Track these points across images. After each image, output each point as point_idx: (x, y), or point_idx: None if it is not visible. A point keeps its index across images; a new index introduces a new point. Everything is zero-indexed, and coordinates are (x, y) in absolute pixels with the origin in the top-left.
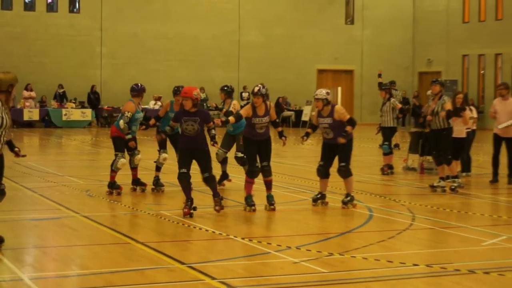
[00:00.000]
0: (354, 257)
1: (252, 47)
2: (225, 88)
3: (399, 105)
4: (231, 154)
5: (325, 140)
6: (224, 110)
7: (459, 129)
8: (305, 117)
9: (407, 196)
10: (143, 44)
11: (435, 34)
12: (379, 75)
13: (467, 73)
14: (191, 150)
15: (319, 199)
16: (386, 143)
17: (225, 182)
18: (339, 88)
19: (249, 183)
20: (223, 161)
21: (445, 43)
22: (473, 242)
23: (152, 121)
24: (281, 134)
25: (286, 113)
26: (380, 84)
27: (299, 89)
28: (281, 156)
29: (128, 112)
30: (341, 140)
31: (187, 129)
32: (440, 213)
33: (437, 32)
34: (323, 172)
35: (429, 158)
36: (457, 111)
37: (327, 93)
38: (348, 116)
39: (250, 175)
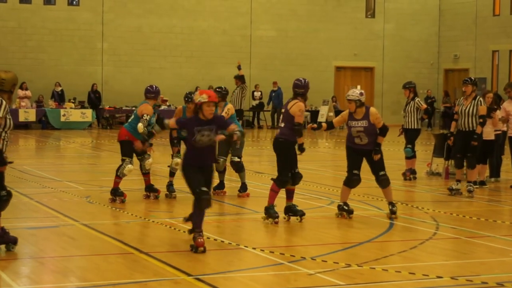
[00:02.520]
0: (374, 268)
1: (265, 43)
2: (218, 90)
3: (424, 106)
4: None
5: (354, 146)
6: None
7: (488, 131)
8: (321, 118)
9: (431, 203)
10: (147, 39)
11: (462, 28)
12: (239, 67)
13: (497, 70)
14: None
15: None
16: (409, 146)
17: (219, 192)
18: (358, 87)
19: (275, 193)
20: (223, 170)
21: (473, 37)
22: (501, 252)
23: (174, 133)
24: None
25: None
26: (240, 77)
27: (315, 88)
28: None
29: (147, 114)
30: (377, 157)
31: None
32: (466, 222)
33: (465, 26)
34: (358, 182)
35: None
36: (487, 112)
37: (361, 94)
38: (382, 123)
39: (282, 185)
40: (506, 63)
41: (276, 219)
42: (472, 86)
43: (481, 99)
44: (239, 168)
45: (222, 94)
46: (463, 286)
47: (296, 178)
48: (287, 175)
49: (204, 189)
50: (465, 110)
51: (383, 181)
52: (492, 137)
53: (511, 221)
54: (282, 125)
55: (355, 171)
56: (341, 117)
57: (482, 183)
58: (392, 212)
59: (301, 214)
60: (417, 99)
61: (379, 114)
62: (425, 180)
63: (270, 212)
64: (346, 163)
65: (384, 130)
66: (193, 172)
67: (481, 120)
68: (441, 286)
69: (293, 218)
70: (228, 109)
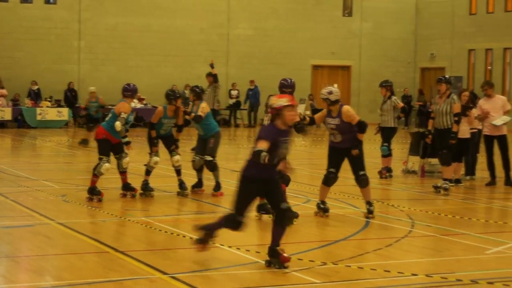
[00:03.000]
0: (349, 266)
1: (243, 41)
2: (194, 88)
3: (401, 104)
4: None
5: (332, 144)
6: (193, 114)
7: (463, 129)
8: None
9: (407, 201)
10: (124, 38)
11: (439, 27)
12: (211, 65)
13: (473, 69)
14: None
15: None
16: (386, 144)
17: (197, 190)
18: (335, 85)
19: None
20: (200, 169)
21: (449, 36)
22: (476, 250)
23: (153, 133)
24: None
25: None
26: (213, 76)
27: None
28: None
29: (125, 113)
30: (355, 152)
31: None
32: (441, 219)
33: (441, 25)
34: (335, 180)
35: (431, 160)
36: (463, 110)
37: (329, 92)
38: (357, 119)
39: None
40: (482, 61)
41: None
42: (446, 85)
43: (454, 97)
44: (212, 167)
45: (197, 92)
46: (437, 284)
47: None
48: None
49: (241, 219)
50: (439, 108)
51: (362, 181)
52: (468, 135)
53: (486, 219)
54: None
55: (332, 169)
56: (321, 113)
57: (458, 181)
58: (370, 211)
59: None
60: (393, 98)
61: (354, 111)
62: (401, 178)
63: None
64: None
65: (361, 126)
66: (248, 192)
67: (456, 119)
68: (416, 284)
69: (265, 216)
70: (203, 108)
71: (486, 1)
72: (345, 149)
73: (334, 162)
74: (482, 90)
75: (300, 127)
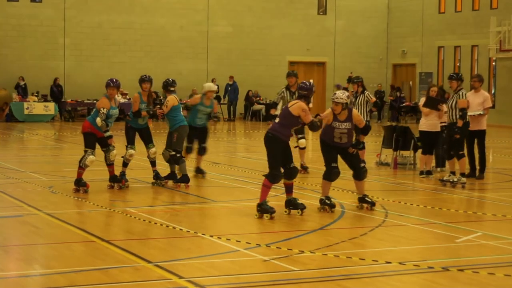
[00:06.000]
0: (326, 254)
1: (221, 38)
2: (164, 82)
3: (374, 99)
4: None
5: (333, 143)
6: (157, 107)
7: (434, 123)
8: (277, 111)
9: (380, 192)
10: (108, 35)
11: (410, 25)
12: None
13: (443, 65)
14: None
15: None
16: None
17: (168, 182)
18: (311, 81)
19: (268, 188)
20: (170, 161)
21: (420, 34)
22: (447, 239)
23: (144, 113)
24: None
25: (256, 107)
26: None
27: (270, 82)
28: (250, 151)
29: (104, 108)
30: (352, 150)
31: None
32: (413, 210)
33: (412, 23)
34: (338, 174)
35: (403, 153)
36: (433, 104)
37: (348, 96)
38: (364, 122)
39: (273, 179)
40: (451, 58)
41: (273, 214)
42: (457, 81)
43: (460, 92)
44: (175, 160)
45: (164, 85)
46: (410, 271)
47: (292, 172)
48: (278, 170)
49: (334, 165)
50: (450, 103)
51: (365, 173)
52: (438, 129)
53: (455, 208)
54: (277, 120)
55: (334, 164)
56: (326, 116)
57: (429, 172)
58: (373, 203)
59: (302, 207)
60: (366, 93)
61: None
62: (374, 170)
63: (265, 208)
64: (323, 158)
65: (367, 130)
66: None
67: (460, 113)
68: (390, 271)
69: (293, 211)
70: (167, 101)
71: (455, 0)
72: (343, 148)
73: (333, 157)
74: (470, 82)
75: (311, 127)
